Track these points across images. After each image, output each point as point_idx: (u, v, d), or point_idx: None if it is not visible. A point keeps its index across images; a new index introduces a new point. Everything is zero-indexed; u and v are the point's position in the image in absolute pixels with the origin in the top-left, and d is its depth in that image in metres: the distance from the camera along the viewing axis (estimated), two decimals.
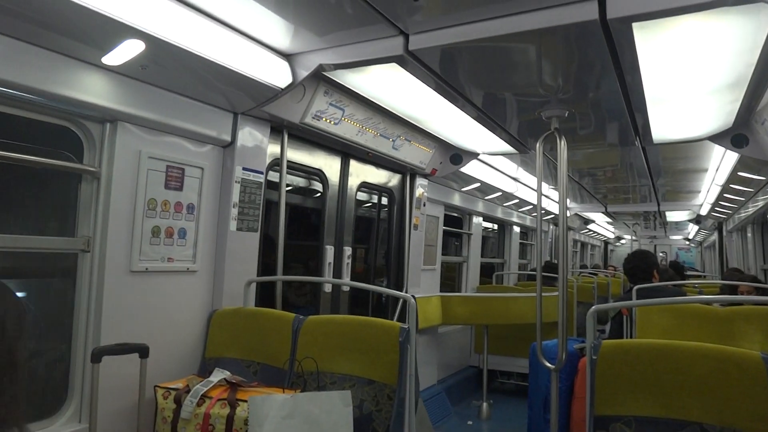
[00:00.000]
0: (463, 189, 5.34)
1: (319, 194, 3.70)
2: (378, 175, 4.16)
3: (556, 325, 2.37)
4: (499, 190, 5.65)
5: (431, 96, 2.77)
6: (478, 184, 5.18)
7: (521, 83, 2.49)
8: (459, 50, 2.13)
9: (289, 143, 3.10)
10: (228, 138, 2.69)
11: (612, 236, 14.97)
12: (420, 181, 4.48)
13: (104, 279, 2.22)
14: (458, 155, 4.23)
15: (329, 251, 3.58)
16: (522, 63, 2.23)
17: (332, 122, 3.05)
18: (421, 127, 3.63)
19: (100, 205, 2.24)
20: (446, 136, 3.85)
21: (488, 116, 3.09)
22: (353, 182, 3.85)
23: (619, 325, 3.48)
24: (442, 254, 5.25)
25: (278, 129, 3.01)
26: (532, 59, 2.18)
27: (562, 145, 2.56)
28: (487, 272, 6.82)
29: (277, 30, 2.21)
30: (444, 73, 2.42)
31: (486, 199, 6.10)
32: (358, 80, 2.72)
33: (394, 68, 2.35)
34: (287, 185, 3.15)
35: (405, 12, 1.95)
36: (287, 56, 2.48)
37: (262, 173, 2.87)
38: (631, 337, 3.22)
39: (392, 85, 2.74)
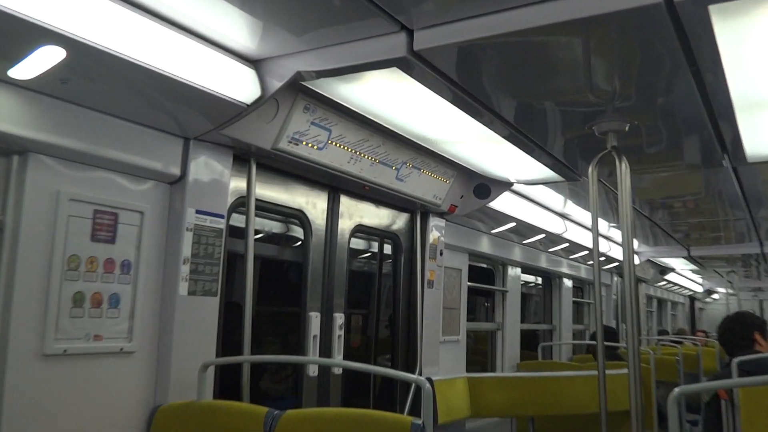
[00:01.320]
0: (494, 231, 5.33)
1: (299, 243, 3.69)
2: (378, 216, 4.16)
3: (627, 416, 2.32)
4: (541, 231, 5.63)
5: (446, 109, 2.79)
6: (513, 224, 5.17)
7: (566, 89, 2.51)
8: (481, 48, 2.16)
9: (258, 176, 3.12)
10: (176, 171, 2.71)
11: (700, 289, 14.85)
12: (435, 222, 4.48)
13: (6, 367, 2.18)
14: (485, 186, 4.24)
15: (314, 320, 3.55)
16: (566, 62, 2.26)
17: (315, 147, 3.07)
18: (434, 150, 3.65)
19: (2, 266, 2.23)
20: (468, 161, 3.87)
21: (523, 134, 3.12)
22: (345, 225, 3.85)
23: (716, 414, 3.41)
24: (468, 320, 5.20)
25: (244, 158, 3.03)
26: (579, 57, 2.21)
27: (624, 169, 2.57)
28: (531, 343, 6.75)
29: (240, 28, 2.25)
30: (462, 80, 2.45)
31: (525, 244, 6.08)
32: (349, 91, 2.75)
33: (395, 74, 2.38)
34: (256, 232, 3.15)
35: (408, 1, 1.99)
36: (254, 62, 2.52)
37: (222, 217, 2.87)
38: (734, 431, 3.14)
39: (394, 97, 2.77)
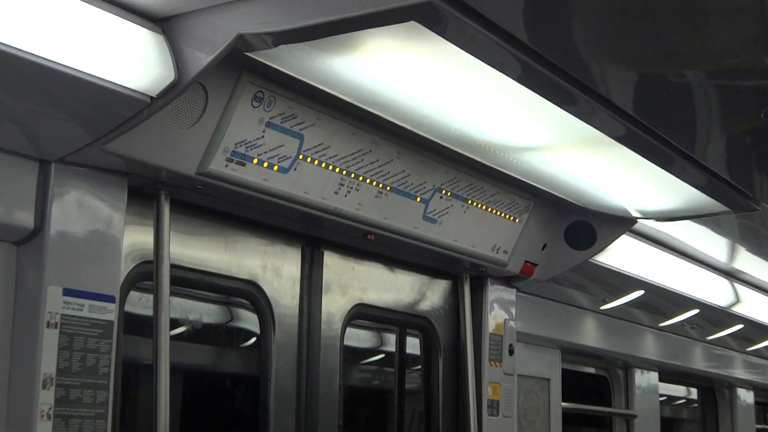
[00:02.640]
0: (606, 307, 5.36)
1: (253, 340, 3.71)
2: (394, 287, 4.18)
3: None
4: (693, 303, 5.65)
5: (509, 95, 2.82)
6: (640, 293, 5.20)
7: (724, 50, 2.53)
8: None
9: (175, 224, 3.14)
10: (27, 221, 2.74)
11: None
12: (497, 294, 4.49)
13: None
14: (586, 227, 4.24)
15: None
16: (723, 2, 2.28)
17: (276, 167, 3.09)
18: (490, 165, 3.68)
19: None
20: (555, 182, 3.89)
21: (652, 132, 3.13)
22: (334, 307, 3.86)
23: None
24: None
25: (148, 192, 3.07)
26: None
27: None
28: None
29: None
30: (536, 41, 2.47)
31: (663, 329, 6.11)
32: (332, 68, 2.77)
33: (414, 36, 2.40)
34: (175, 324, 3.16)
35: None
36: (162, 22, 2.56)
37: (112, 300, 2.89)
38: None
39: (413, 76, 2.79)
